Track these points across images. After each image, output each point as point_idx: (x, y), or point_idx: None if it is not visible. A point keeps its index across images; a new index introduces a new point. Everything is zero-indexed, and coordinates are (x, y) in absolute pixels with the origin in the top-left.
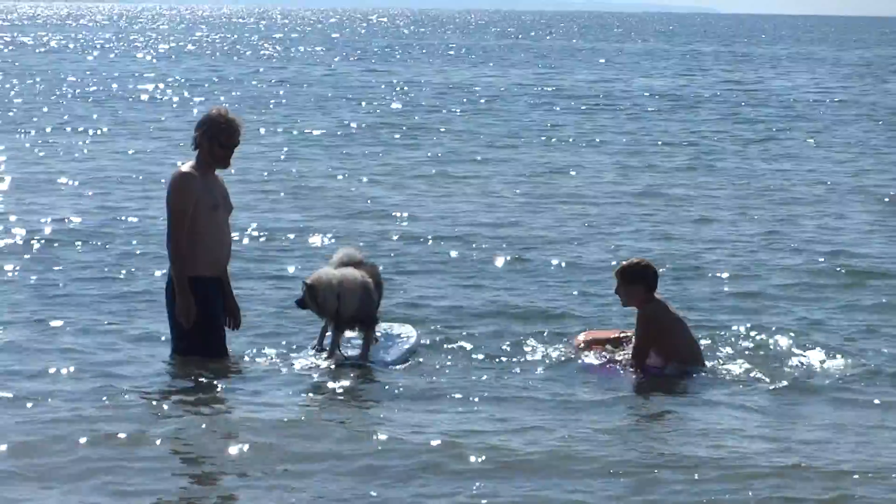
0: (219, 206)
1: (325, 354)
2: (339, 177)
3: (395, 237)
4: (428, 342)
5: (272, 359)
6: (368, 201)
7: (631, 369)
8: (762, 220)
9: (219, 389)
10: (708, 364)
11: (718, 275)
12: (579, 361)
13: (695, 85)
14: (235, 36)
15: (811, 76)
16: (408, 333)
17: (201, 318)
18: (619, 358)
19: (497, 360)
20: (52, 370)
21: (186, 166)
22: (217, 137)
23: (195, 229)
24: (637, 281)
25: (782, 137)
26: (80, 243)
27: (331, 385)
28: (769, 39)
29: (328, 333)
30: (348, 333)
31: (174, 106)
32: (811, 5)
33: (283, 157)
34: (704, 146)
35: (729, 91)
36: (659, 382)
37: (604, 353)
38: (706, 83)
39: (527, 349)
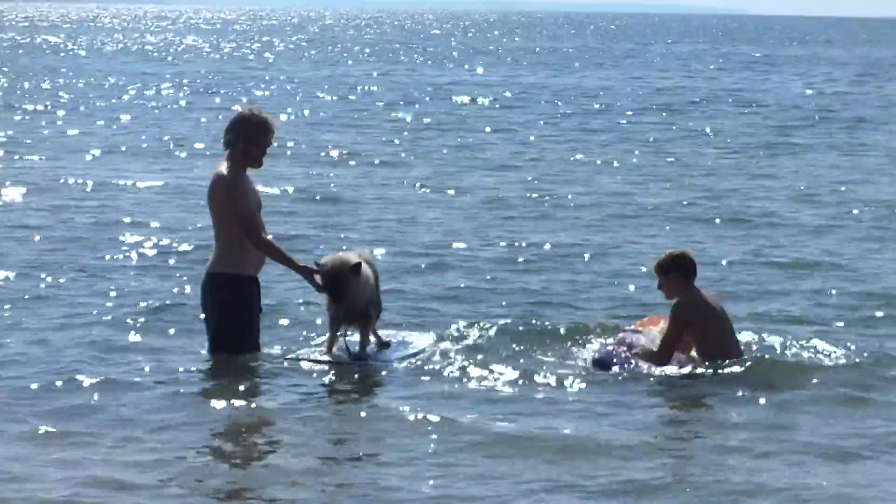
0: (260, 206)
1: (325, 349)
2: None
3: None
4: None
5: (291, 357)
6: None
7: (652, 363)
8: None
9: (244, 389)
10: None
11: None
12: (595, 354)
13: None
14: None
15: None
16: (420, 343)
17: (244, 317)
18: (636, 348)
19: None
20: (82, 366)
21: (225, 168)
22: (252, 137)
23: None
24: (671, 270)
25: None
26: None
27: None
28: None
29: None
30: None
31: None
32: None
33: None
34: None
35: None
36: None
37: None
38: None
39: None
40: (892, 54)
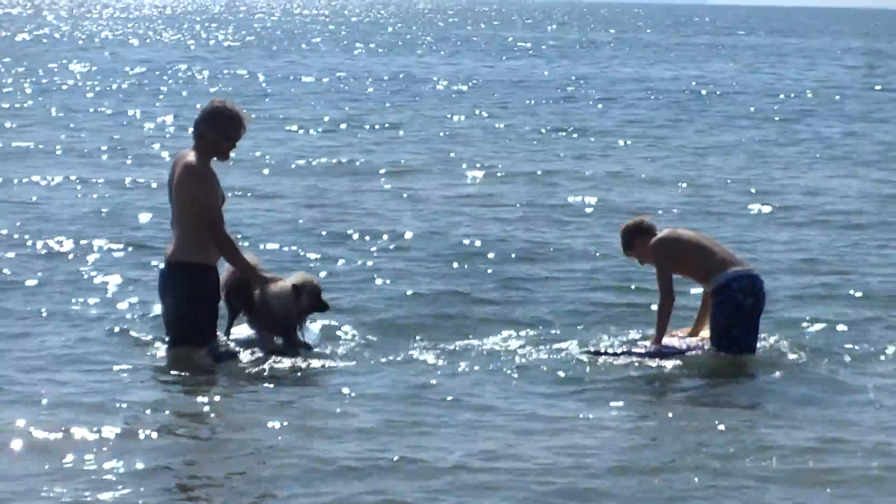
0: (225, 200)
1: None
2: None
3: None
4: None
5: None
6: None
7: (656, 347)
8: None
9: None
10: None
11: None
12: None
13: None
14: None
15: None
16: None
17: (209, 306)
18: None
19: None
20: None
21: (193, 157)
22: (225, 130)
23: None
24: (636, 237)
25: None
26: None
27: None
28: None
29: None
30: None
31: None
32: None
33: None
34: None
35: None
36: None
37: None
38: None
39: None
40: None
